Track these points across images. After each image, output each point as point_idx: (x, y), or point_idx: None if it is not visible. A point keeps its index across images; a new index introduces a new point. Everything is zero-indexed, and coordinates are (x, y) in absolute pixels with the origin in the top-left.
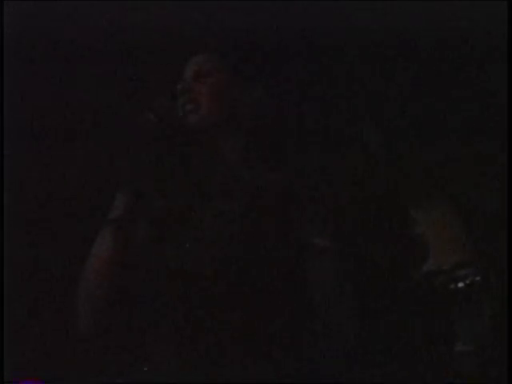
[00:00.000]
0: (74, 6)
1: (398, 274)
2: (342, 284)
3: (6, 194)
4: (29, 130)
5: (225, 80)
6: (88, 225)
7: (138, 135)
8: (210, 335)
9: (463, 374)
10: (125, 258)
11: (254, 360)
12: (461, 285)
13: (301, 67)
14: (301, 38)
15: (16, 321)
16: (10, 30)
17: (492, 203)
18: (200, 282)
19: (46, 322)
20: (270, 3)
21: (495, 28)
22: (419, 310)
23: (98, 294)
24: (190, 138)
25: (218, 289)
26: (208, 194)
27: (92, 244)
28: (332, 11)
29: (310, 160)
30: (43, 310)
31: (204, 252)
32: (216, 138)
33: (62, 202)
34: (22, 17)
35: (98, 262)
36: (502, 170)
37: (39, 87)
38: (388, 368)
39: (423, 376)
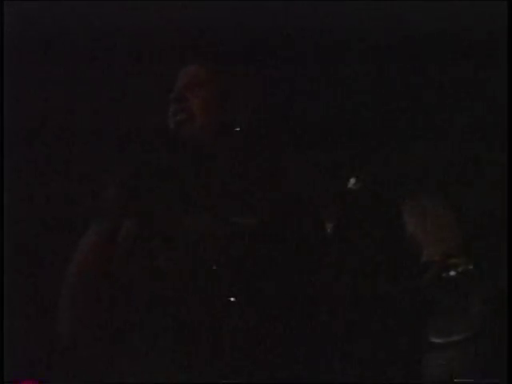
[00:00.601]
0: (73, 6)
1: (393, 273)
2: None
3: (6, 193)
4: (29, 129)
5: (218, 91)
6: (87, 224)
7: (136, 136)
8: (196, 338)
9: (458, 363)
10: (110, 251)
11: (254, 362)
12: (452, 273)
13: (296, 73)
14: (296, 43)
15: (16, 321)
16: (10, 29)
17: (490, 201)
18: (184, 281)
19: (46, 322)
20: (263, 9)
21: (495, 28)
22: (415, 302)
23: (83, 284)
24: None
25: (205, 289)
26: (201, 197)
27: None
28: (327, 14)
29: (310, 166)
30: (43, 310)
31: (191, 253)
32: (212, 147)
33: (62, 201)
34: (21, 17)
35: (84, 253)
36: (502, 170)
37: (39, 87)
38: (386, 360)
39: (418, 365)
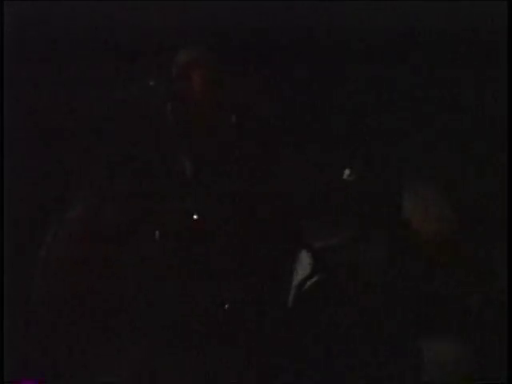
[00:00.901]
0: (73, 6)
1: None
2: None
3: (6, 194)
4: (29, 129)
5: (217, 74)
6: None
7: (133, 129)
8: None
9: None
10: (93, 224)
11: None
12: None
13: (294, 64)
14: (295, 35)
15: (16, 321)
16: (10, 29)
17: (489, 200)
18: (167, 267)
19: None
20: (263, 9)
21: (495, 28)
22: (417, 291)
23: (66, 256)
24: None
25: (174, 283)
26: (188, 183)
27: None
28: (327, 14)
29: (305, 158)
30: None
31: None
32: (206, 129)
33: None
34: (22, 17)
35: (70, 222)
36: (502, 169)
37: (39, 87)
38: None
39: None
